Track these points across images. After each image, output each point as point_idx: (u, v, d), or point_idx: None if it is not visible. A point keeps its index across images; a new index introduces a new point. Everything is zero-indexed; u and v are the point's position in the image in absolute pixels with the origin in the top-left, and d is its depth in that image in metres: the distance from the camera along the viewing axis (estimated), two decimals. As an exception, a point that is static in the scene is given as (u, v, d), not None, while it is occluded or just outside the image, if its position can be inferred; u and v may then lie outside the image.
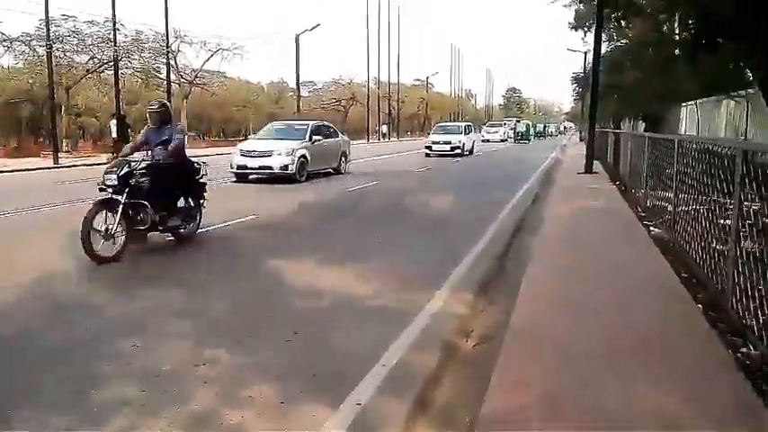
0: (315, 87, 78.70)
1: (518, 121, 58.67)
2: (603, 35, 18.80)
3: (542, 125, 59.53)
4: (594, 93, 17.60)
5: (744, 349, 3.47)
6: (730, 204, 4.46)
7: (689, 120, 28.32)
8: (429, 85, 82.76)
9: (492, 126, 55.75)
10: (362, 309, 4.96)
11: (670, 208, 7.22)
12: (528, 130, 54.37)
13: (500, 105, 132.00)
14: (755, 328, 3.50)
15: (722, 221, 5.09)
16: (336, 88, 68.21)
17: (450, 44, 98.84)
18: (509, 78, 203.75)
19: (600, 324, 4.03)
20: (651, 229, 7.56)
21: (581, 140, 48.03)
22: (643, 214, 8.82)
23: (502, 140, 49.04)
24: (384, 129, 64.67)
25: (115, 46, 26.86)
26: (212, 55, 38.49)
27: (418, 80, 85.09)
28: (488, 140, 47.77)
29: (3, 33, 30.99)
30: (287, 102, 62.95)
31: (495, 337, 4.20)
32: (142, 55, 32.10)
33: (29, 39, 30.67)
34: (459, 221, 9.39)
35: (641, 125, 35.00)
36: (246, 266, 6.49)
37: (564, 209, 9.54)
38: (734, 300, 3.96)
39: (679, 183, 6.44)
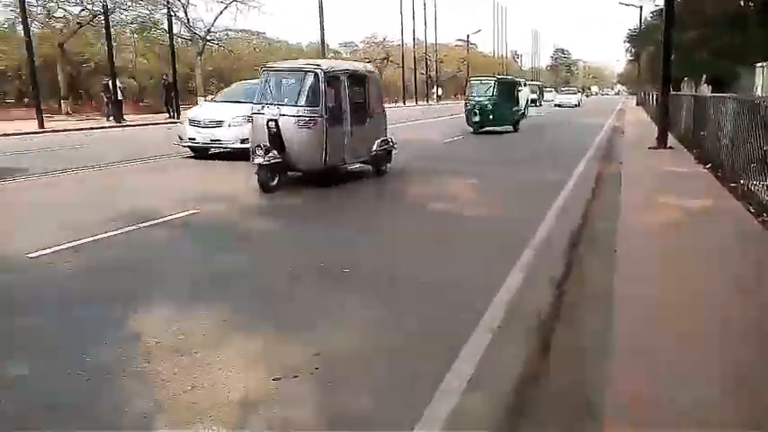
0: (354, 48, 74.59)
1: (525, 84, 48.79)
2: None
3: (537, 88, 49.32)
4: (668, 46, 13.61)
5: None
6: None
7: (767, 81, 23.69)
8: (471, 45, 77.59)
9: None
10: None
11: None
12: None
13: (548, 67, 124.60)
14: None
15: None
16: (370, 47, 64.09)
17: (492, 1, 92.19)
18: (556, 39, 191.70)
19: None
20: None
21: (638, 105, 42.81)
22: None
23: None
24: (434, 90, 61.68)
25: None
26: (226, 7, 35.17)
27: (460, 40, 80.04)
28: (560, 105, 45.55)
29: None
30: (326, 63, 60.06)
31: None
32: (139, 3, 28.85)
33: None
34: (480, 237, 6.10)
35: (705, 88, 30.11)
36: None
37: (646, 217, 6.11)
38: None
39: None
